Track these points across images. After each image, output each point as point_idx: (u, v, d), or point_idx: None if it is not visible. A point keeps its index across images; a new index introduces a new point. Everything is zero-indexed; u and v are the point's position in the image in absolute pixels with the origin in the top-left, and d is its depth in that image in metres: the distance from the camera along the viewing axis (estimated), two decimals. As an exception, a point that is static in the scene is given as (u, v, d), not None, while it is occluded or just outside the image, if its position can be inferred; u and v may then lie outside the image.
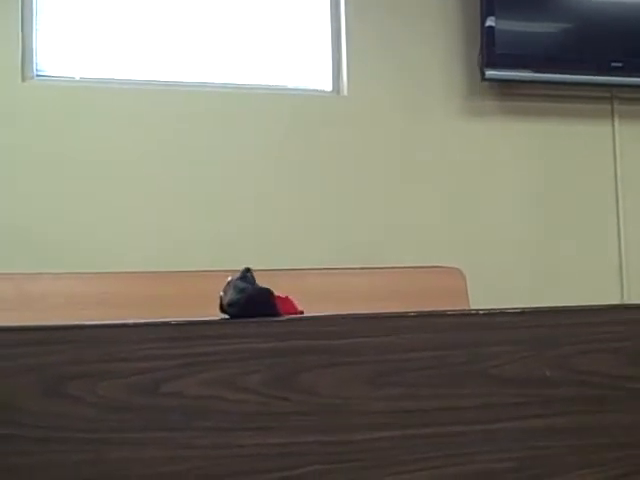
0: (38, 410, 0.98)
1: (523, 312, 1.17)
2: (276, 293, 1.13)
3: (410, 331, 1.11)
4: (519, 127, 3.13)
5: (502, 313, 1.16)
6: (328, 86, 3.02)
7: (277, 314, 1.11)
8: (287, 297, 1.16)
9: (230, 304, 1.09)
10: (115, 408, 1.00)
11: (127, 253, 2.50)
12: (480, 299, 2.43)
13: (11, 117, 2.64)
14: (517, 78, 3.07)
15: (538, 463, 1.12)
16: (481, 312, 1.16)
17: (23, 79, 2.68)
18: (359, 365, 1.08)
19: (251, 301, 1.09)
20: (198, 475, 1.02)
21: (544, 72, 3.08)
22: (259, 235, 2.80)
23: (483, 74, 3.03)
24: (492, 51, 3.02)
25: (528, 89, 3.14)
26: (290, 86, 2.99)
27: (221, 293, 1.10)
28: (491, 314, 1.16)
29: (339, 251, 2.81)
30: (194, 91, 2.84)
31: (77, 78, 2.78)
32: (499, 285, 2.90)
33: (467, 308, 2.26)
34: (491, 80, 3.05)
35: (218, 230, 2.74)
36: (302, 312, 1.18)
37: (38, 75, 2.74)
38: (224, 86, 2.90)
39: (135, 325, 1.03)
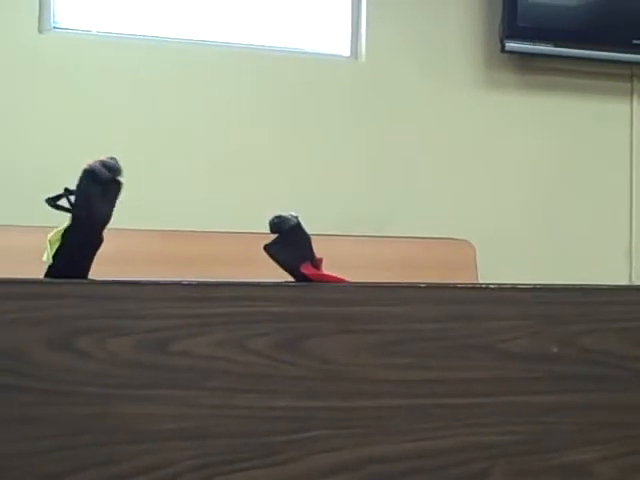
0: (46, 363, 0.99)
1: (534, 288, 1.17)
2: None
3: (420, 302, 1.11)
4: (537, 101, 3.10)
5: (513, 288, 1.16)
6: (346, 51, 2.99)
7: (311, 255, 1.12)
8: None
9: (283, 220, 1.10)
10: (123, 364, 1.01)
11: (140, 210, 2.50)
12: (489, 272, 2.43)
13: (27, 68, 2.63)
14: (537, 51, 3.04)
15: (542, 438, 1.13)
16: (492, 286, 1.16)
17: (40, 30, 2.67)
18: (368, 333, 1.08)
19: (300, 229, 1.10)
20: (203, 434, 1.02)
21: (565, 46, 3.05)
22: (269, 200, 2.80)
23: (503, 46, 3.00)
24: (513, 22, 2.98)
25: (548, 63, 3.10)
26: (307, 50, 2.96)
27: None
28: (502, 289, 1.16)
29: (348, 219, 2.80)
30: (210, 51, 2.82)
31: (94, 32, 2.76)
32: (508, 259, 2.90)
33: (476, 281, 2.25)
34: (511, 52, 3.02)
35: (227, 192, 2.74)
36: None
37: (55, 27, 2.72)
38: (240, 47, 2.88)
39: (146, 283, 1.03)
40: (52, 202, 1.07)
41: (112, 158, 1.12)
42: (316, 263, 1.13)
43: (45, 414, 0.99)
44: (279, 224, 1.11)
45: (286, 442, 1.04)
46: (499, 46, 2.99)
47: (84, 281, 1.04)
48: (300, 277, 1.11)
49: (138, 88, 2.71)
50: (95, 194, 1.09)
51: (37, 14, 2.64)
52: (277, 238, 1.12)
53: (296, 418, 1.05)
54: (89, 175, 1.09)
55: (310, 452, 1.05)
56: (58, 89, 2.64)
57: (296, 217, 1.14)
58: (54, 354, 0.99)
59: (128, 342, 1.01)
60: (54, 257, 1.09)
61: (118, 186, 1.12)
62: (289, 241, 1.11)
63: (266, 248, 1.11)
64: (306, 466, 1.05)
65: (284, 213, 1.13)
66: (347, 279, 1.12)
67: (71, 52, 2.67)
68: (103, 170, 1.09)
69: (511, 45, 2.98)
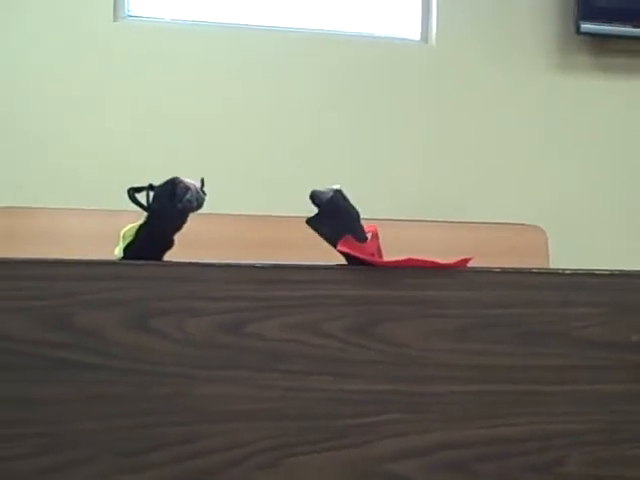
0: (125, 343, 1.02)
1: (611, 274, 1.14)
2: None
3: (494, 287, 1.10)
4: (613, 84, 3.01)
5: (589, 274, 1.13)
6: (416, 35, 2.97)
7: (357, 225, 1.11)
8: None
9: (321, 193, 1.11)
10: (198, 345, 1.03)
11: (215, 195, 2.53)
12: (560, 258, 2.38)
13: (102, 56, 2.68)
14: (614, 33, 2.94)
15: (618, 428, 1.10)
16: (567, 272, 1.14)
17: (115, 19, 2.71)
18: (441, 318, 1.08)
19: (339, 202, 1.10)
20: (274, 415, 1.04)
21: (643, 27, 2.95)
22: (341, 184, 2.79)
23: (578, 27, 2.92)
24: (588, 3, 2.90)
25: (625, 45, 3.01)
26: (378, 34, 2.95)
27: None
28: (577, 274, 1.14)
29: (418, 205, 2.79)
30: (281, 36, 2.83)
31: (167, 19, 2.80)
32: (580, 245, 2.84)
33: (547, 266, 2.22)
34: (586, 34, 2.94)
35: (300, 176, 2.74)
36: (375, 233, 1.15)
37: (129, 15, 2.77)
38: (311, 32, 2.88)
39: (222, 266, 1.05)
40: (132, 194, 1.10)
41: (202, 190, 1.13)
42: (361, 236, 1.11)
43: (122, 393, 1.01)
44: (316, 196, 1.11)
45: (357, 425, 1.05)
46: (574, 28, 2.92)
47: (161, 263, 1.06)
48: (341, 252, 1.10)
49: (212, 75, 2.73)
50: (171, 203, 1.11)
51: (112, 3, 2.69)
52: (318, 211, 1.11)
53: (368, 402, 1.05)
54: (173, 189, 1.11)
55: (381, 436, 1.05)
56: (133, 76, 2.68)
57: (336, 190, 1.12)
58: (132, 334, 1.01)
59: (203, 323, 1.02)
60: (124, 251, 1.12)
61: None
62: (329, 214, 1.10)
63: (308, 221, 1.11)
64: (377, 450, 1.05)
65: (323, 187, 1.13)
66: (387, 259, 1.11)
67: (145, 40, 2.71)
68: (183, 191, 1.11)
69: (586, 26, 2.90)
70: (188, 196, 1.10)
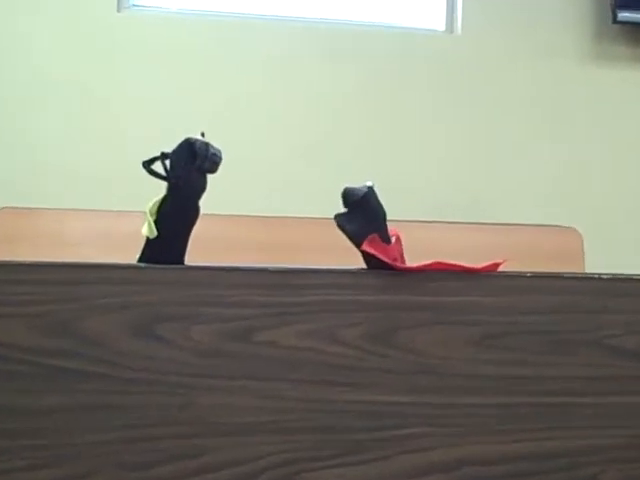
0: (130, 351, 0.97)
1: (650, 279, 1.07)
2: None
3: (524, 292, 1.03)
4: (651, 75, 2.92)
5: (628, 279, 1.07)
6: (441, 25, 2.89)
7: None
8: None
9: (352, 191, 1.06)
10: (206, 353, 0.98)
11: (228, 195, 2.49)
12: (596, 262, 2.30)
13: (106, 47, 2.64)
14: (652, 22, 2.86)
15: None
16: (603, 276, 1.07)
17: (119, 9, 2.67)
18: (465, 325, 1.01)
19: (371, 200, 1.05)
20: (287, 428, 0.98)
21: (682, 16, 2.85)
22: (362, 182, 2.74)
23: (615, 16, 2.83)
24: (626, -9, 2.82)
25: (663, 34, 2.92)
26: (402, 24, 2.88)
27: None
28: (614, 279, 1.07)
29: (448, 204, 2.71)
30: (300, 27, 2.77)
31: (173, 9, 2.75)
32: (617, 248, 2.75)
33: (582, 270, 2.15)
34: (623, 23, 2.85)
35: (320, 175, 2.68)
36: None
37: (134, 5, 2.73)
38: (334, 22, 2.82)
39: (232, 269, 0.99)
40: (148, 166, 1.03)
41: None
42: (387, 237, 1.05)
43: (127, 403, 0.96)
44: (347, 194, 1.06)
45: (375, 439, 0.99)
46: (610, 16, 2.83)
47: (168, 267, 1.01)
48: (363, 253, 1.04)
49: (219, 67, 2.67)
50: (192, 165, 1.05)
51: (116, -8, 2.64)
52: (348, 207, 1.06)
53: (386, 414, 1.00)
54: (191, 149, 1.04)
55: (401, 451, 0.99)
56: (137, 68, 2.63)
57: (369, 187, 1.06)
58: (138, 341, 0.97)
59: (212, 330, 0.97)
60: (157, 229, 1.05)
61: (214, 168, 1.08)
62: (358, 211, 1.04)
63: (336, 217, 1.05)
64: (396, 465, 0.99)
65: (356, 185, 1.07)
66: (410, 265, 1.04)
67: (150, 30, 2.65)
68: (203, 148, 1.05)
69: (624, 15, 2.81)
70: (212, 151, 1.04)
